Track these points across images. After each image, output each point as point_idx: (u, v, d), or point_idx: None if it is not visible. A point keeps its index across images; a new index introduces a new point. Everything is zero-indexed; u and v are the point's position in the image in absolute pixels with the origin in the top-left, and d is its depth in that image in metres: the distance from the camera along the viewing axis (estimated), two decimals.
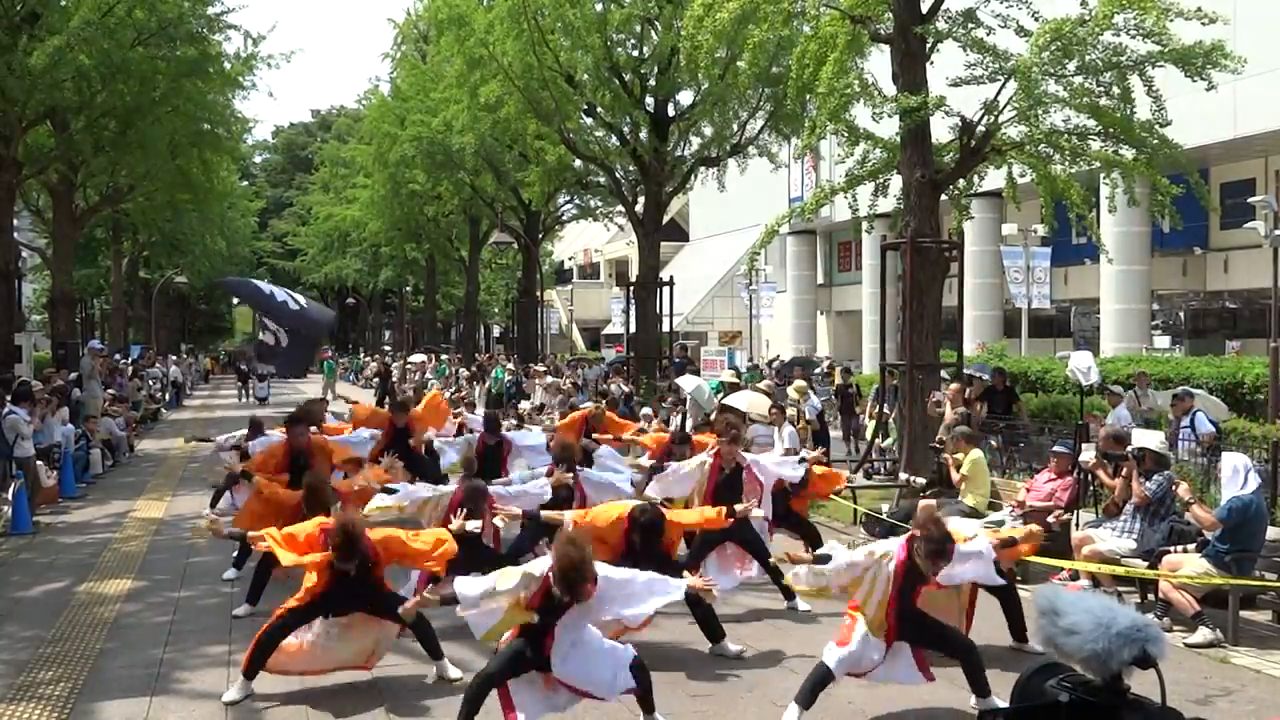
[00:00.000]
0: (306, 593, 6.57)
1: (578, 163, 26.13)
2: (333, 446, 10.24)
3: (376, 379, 34.11)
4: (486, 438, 10.93)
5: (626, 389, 19.67)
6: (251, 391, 34.58)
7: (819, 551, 7.71)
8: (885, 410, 14.74)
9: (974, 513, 9.70)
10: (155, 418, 27.23)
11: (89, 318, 49.40)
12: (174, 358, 41.75)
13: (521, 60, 21.12)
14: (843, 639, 6.05)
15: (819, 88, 12.66)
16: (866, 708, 6.35)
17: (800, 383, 16.39)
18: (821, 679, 6.00)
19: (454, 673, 6.77)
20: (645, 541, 7.05)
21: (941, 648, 6.15)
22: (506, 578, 5.51)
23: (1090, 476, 10.83)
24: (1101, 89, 12.55)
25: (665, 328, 24.07)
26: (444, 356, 38.87)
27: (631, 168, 24.37)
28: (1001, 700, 6.01)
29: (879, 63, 13.98)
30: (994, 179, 15.57)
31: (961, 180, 14.07)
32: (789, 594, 8.50)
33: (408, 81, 34.46)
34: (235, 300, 66.34)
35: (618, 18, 21.42)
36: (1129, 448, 9.01)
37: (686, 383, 16.77)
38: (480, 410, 15.32)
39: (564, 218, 39.18)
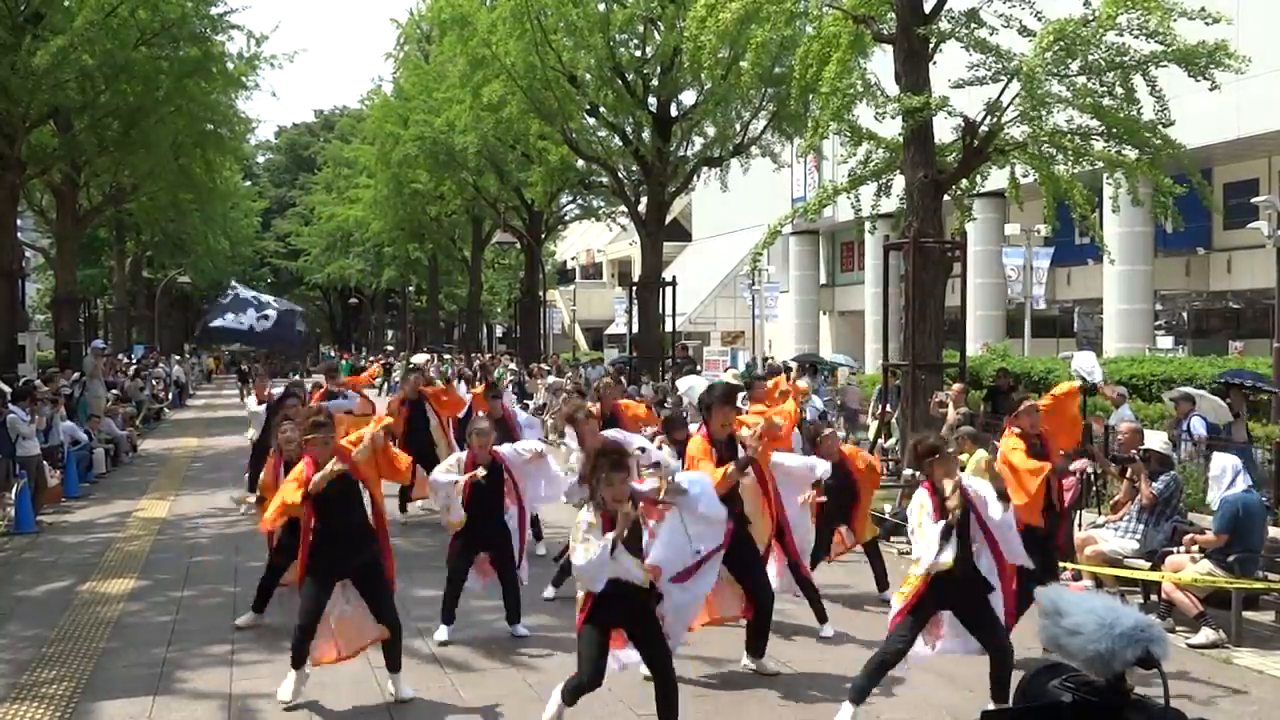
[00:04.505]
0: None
1: (580, 163, 26.18)
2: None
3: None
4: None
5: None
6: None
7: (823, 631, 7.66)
8: (888, 410, 14.74)
9: None
10: (159, 417, 27.27)
11: (92, 317, 49.36)
12: (177, 357, 41.77)
13: (524, 60, 21.14)
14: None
15: (822, 88, 12.67)
16: (871, 708, 6.33)
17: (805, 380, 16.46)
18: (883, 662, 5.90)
19: (407, 692, 6.49)
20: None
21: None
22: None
23: (1094, 476, 10.81)
24: (1104, 89, 12.54)
25: (668, 328, 24.07)
26: (446, 356, 38.86)
27: (634, 168, 24.39)
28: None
29: (882, 63, 13.97)
30: (997, 179, 15.55)
31: (964, 180, 14.07)
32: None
33: (410, 81, 34.46)
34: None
35: (620, 18, 21.44)
36: (1132, 450, 9.00)
37: (683, 383, 16.81)
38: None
39: (567, 218, 39.21)
